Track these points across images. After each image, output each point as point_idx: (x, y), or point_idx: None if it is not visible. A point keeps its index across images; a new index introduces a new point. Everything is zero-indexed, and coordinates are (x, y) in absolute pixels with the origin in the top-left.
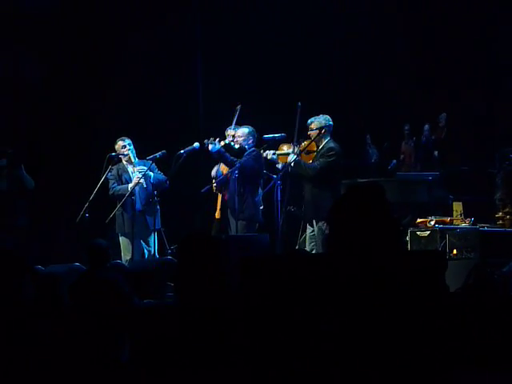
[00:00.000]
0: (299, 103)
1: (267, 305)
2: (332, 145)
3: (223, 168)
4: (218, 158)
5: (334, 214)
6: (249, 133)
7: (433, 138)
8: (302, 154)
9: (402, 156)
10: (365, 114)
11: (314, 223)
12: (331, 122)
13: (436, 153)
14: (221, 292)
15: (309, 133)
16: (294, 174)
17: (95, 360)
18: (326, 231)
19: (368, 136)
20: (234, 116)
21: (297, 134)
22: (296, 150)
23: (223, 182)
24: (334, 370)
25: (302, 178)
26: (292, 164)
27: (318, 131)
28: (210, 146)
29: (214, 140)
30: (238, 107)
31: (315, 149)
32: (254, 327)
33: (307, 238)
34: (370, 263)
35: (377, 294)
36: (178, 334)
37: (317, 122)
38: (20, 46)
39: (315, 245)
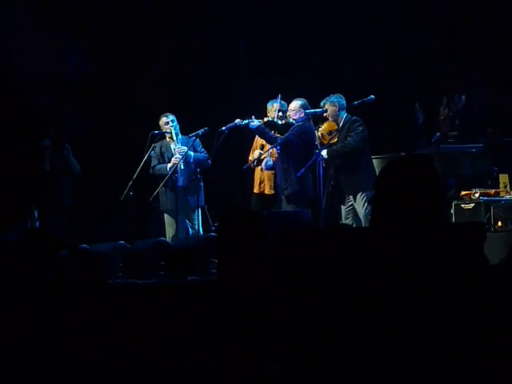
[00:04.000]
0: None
1: (305, 280)
2: (354, 118)
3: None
4: (258, 134)
5: (383, 181)
6: (301, 105)
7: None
8: (326, 135)
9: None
10: (414, 84)
11: (352, 197)
12: (343, 99)
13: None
14: (260, 268)
15: (325, 114)
16: (332, 160)
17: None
18: (365, 202)
19: (417, 104)
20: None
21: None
22: (318, 133)
23: (258, 159)
24: (374, 345)
25: (340, 160)
26: (327, 156)
27: (333, 109)
28: (251, 124)
29: (250, 118)
30: (278, 96)
31: (336, 127)
32: (292, 302)
33: (343, 214)
34: (412, 235)
35: (417, 267)
36: (219, 309)
37: (329, 102)
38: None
39: (352, 219)
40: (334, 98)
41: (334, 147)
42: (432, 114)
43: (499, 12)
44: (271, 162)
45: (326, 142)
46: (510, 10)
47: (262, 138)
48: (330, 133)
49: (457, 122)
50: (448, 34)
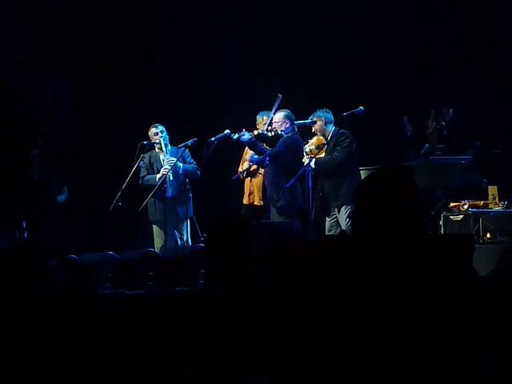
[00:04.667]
0: (279, 95)
1: (293, 291)
2: (341, 131)
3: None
4: (249, 147)
5: (362, 192)
6: (285, 116)
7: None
8: (314, 150)
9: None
10: (400, 98)
11: (336, 210)
12: (329, 113)
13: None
14: (248, 278)
15: (313, 130)
16: (319, 170)
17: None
18: (348, 215)
19: (405, 117)
20: (273, 104)
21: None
22: (306, 148)
23: (248, 170)
24: (364, 355)
25: (326, 172)
26: (313, 165)
27: (320, 124)
28: (242, 137)
29: (241, 131)
30: (279, 96)
31: (324, 142)
32: (280, 314)
33: (327, 226)
34: (395, 245)
35: (403, 277)
36: (205, 319)
37: (316, 117)
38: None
39: (335, 231)
40: (320, 112)
41: (322, 159)
42: (420, 127)
43: (486, 25)
44: (256, 156)
45: (316, 156)
46: (496, 23)
47: (253, 150)
48: (318, 147)
49: (445, 133)
50: (436, 46)
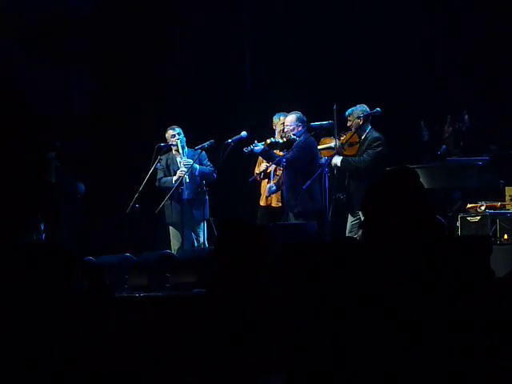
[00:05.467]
0: (334, 105)
1: (308, 293)
2: (376, 134)
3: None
4: (263, 157)
5: (367, 200)
6: (297, 118)
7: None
8: (346, 146)
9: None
10: (419, 102)
11: (361, 213)
12: (369, 111)
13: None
14: (259, 280)
15: (348, 124)
16: (344, 171)
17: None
18: None
19: (422, 122)
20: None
21: (336, 132)
22: (338, 143)
23: (265, 171)
24: (378, 358)
25: (352, 172)
26: (339, 164)
27: (357, 122)
28: (255, 149)
29: (252, 143)
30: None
31: (358, 140)
32: (294, 314)
33: (348, 227)
34: (409, 248)
35: (419, 279)
36: (215, 321)
37: (355, 113)
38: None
39: (355, 234)
40: (359, 108)
41: (350, 159)
42: (437, 132)
43: (496, 26)
44: (274, 188)
45: (344, 153)
46: (506, 25)
47: (266, 160)
48: (350, 144)
49: (461, 140)
50: (450, 51)
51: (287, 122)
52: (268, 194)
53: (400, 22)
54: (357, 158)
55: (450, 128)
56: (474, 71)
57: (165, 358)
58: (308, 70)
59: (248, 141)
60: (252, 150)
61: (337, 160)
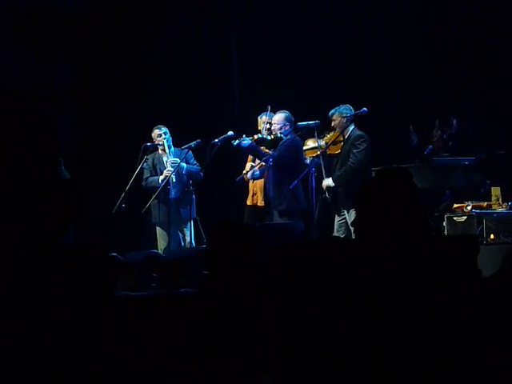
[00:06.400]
0: (268, 106)
1: (295, 292)
2: (359, 132)
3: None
4: (250, 152)
5: (361, 198)
6: (285, 118)
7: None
8: (330, 145)
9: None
10: (407, 107)
11: (346, 212)
12: (352, 111)
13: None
14: (248, 280)
15: (332, 124)
16: (340, 186)
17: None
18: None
19: (411, 126)
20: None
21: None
22: (322, 143)
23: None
24: (367, 358)
25: (347, 184)
26: (332, 183)
27: (342, 121)
28: (242, 143)
29: (241, 137)
30: (268, 108)
31: (341, 138)
32: (283, 315)
33: (335, 226)
34: (399, 247)
35: (406, 278)
36: (205, 322)
37: (338, 112)
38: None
39: (343, 233)
40: (343, 108)
41: (339, 173)
42: (425, 137)
43: (483, 30)
44: (258, 172)
45: (328, 152)
46: (498, 34)
47: (253, 155)
48: (334, 143)
49: (450, 144)
50: (438, 55)
51: (275, 121)
52: (250, 178)
53: (390, 24)
54: (344, 168)
55: (439, 132)
56: (463, 75)
57: (150, 358)
58: (296, 68)
59: (231, 146)
60: (240, 143)
61: (328, 182)
